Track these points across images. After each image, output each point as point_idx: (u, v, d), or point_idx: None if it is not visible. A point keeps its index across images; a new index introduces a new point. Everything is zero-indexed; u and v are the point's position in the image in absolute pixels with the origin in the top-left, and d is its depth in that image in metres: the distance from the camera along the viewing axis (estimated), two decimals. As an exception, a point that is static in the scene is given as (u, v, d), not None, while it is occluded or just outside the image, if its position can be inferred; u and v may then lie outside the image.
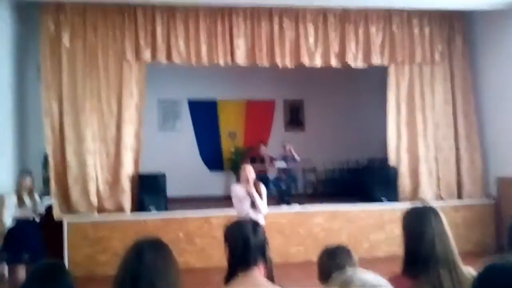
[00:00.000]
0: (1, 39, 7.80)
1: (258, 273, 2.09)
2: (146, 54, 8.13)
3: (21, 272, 5.74)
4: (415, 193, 8.84)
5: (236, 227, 2.25)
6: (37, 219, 6.01)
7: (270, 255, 2.21)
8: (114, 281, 1.79)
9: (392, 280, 1.21)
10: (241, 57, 8.40)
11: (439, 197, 8.80)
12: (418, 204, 2.29)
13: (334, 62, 8.71)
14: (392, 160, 8.96)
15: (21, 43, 8.41)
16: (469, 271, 1.99)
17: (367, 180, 9.29)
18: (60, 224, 7.52)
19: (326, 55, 8.68)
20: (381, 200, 8.54)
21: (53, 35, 7.92)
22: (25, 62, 8.54)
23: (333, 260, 2.31)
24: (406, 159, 8.94)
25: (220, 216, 7.75)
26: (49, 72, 7.87)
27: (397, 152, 8.95)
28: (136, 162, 8.25)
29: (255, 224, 2.24)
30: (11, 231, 5.85)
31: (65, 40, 7.90)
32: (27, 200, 5.92)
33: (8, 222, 5.82)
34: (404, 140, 8.98)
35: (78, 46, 7.97)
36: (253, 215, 4.98)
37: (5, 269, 6.63)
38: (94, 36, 8.05)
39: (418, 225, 2.08)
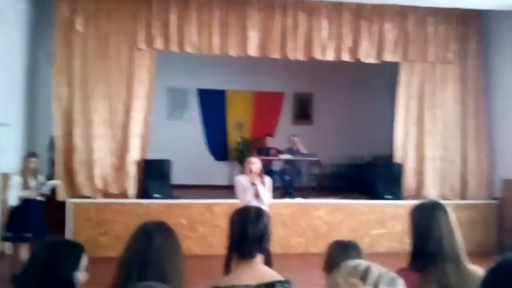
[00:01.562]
0: (15, 24, 7.87)
1: (259, 262, 2.10)
2: (158, 42, 8.14)
3: (24, 251, 5.82)
4: (419, 192, 8.82)
5: (238, 215, 2.25)
6: (42, 199, 6.07)
7: (269, 246, 2.17)
8: (120, 262, 1.80)
9: (399, 273, 1.23)
10: (253, 49, 8.39)
11: (443, 197, 8.78)
12: (426, 200, 2.31)
13: (346, 57, 8.68)
14: (397, 157, 8.94)
15: (34, 27, 8.48)
16: (474, 268, 2.01)
17: (371, 176, 9.29)
18: (63, 205, 7.59)
19: (338, 50, 8.65)
20: (384, 198, 8.53)
21: (67, 20, 7.97)
22: (37, 46, 8.62)
23: (345, 253, 2.33)
24: (412, 157, 8.92)
25: (223, 204, 7.80)
26: (61, 56, 7.93)
27: (403, 149, 8.93)
28: (143, 149, 8.31)
29: (259, 214, 2.20)
30: (15, 210, 5.91)
31: (79, 25, 7.94)
32: (31, 181, 5.98)
33: (12, 201, 5.89)
34: (412, 137, 8.95)
35: (91, 32, 8.01)
36: (255, 205, 5.00)
37: (9, 247, 6.76)
38: (107, 23, 8.09)
39: (427, 220, 2.11)
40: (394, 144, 9.00)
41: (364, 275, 1.14)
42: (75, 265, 1.89)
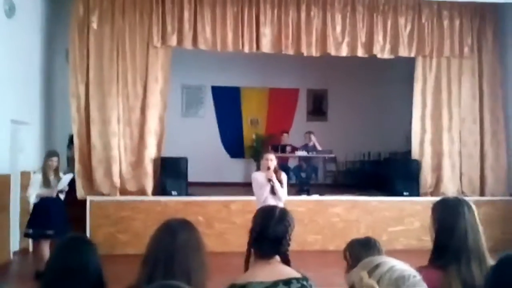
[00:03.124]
0: (32, 22, 7.99)
1: (276, 261, 2.10)
2: (173, 39, 8.19)
3: (46, 247, 5.92)
4: (437, 188, 8.75)
5: (262, 213, 2.26)
6: (62, 196, 6.16)
7: (287, 250, 2.14)
8: (145, 260, 1.82)
9: (419, 270, 1.23)
10: (266, 45, 8.40)
11: (461, 193, 8.68)
12: (449, 196, 2.29)
13: (360, 52, 8.64)
14: (415, 153, 8.87)
15: (50, 26, 8.61)
16: None
17: (388, 172, 9.22)
18: (83, 203, 7.70)
19: (352, 45, 8.61)
20: (402, 194, 8.46)
21: (82, 19, 8.05)
22: (54, 45, 8.75)
23: (363, 251, 2.33)
24: (430, 153, 8.84)
25: (239, 201, 7.83)
26: (77, 55, 8.02)
27: (420, 145, 8.86)
28: (159, 146, 8.37)
29: (283, 216, 2.18)
30: (36, 207, 6.02)
31: (93, 24, 8.01)
32: (52, 178, 6.07)
33: (33, 199, 5.99)
34: (429, 133, 8.87)
35: (105, 30, 8.09)
36: (272, 202, 5.01)
37: (31, 244, 6.89)
38: (122, 20, 8.15)
39: (452, 216, 2.07)
40: (411, 140, 8.92)
41: (372, 269, 1.16)
42: (99, 264, 1.93)
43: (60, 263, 1.89)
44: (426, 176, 8.76)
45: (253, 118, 12.96)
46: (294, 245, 2.23)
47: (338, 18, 8.55)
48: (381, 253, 2.33)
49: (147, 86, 8.21)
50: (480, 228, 2.06)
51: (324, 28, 8.53)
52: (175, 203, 7.86)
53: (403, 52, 8.70)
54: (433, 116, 8.89)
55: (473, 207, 2.11)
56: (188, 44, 8.26)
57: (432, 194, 8.61)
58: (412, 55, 8.81)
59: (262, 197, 5.12)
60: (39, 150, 7.85)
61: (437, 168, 8.82)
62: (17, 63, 7.35)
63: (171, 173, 8.17)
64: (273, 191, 5.14)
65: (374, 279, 1.13)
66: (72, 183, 6.63)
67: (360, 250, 2.37)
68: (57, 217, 6.02)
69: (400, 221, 8.26)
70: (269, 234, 2.11)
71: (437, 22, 8.80)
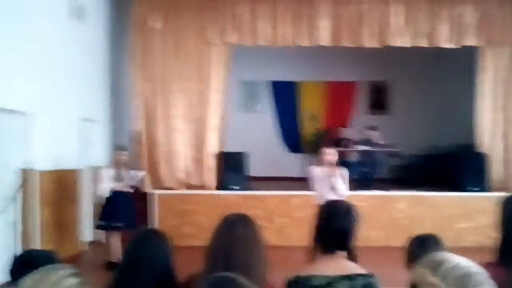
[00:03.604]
0: (97, 22, 8.36)
1: (342, 256, 2.10)
2: (232, 36, 8.30)
3: (116, 239, 6.22)
4: (507, 183, 8.30)
5: (327, 207, 2.25)
6: (131, 190, 6.43)
7: (353, 246, 2.12)
8: (206, 253, 1.91)
9: (486, 266, 1.19)
10: (326, 38, 8.32)
11: (535, 189, 8.19)
12: None
13: (423, 43, 8.35)
14: (483, 147, 8.45)
15: (115, 25, 8.98)
16: None
17: (454, 167, 8.85)
18: (144, 195, 7.98)
19: (415, 35, 8.35)
20: (468, 190, 8.10)
21: (144, 18, 8.34)
22: (120, 46, 9.12)
23: (423, 247, 2.27)
24: (499, 146, 8.40)
25: (299, 196, 7.83)
26: (140, 54, 8.34)
27: (489, 138, 8.43)
28: (220, 141, 8.54)
29: (348, 210, 2.16)
30: (107, 201, 6.33)
31: (156, 23, 8.28)
32: (123, 173, 6.35)
33: (105, 193, 6.30)
34: (498, 126, 8.44)
35: (166, 29, 8.34)
36: (331, 197, 4.98)
37: (103, 235, 7.26)
38: (182, 19, 8.36)
39: None
40: (479, 133, 8.52)
41: (436, 267, 1.14)
42: (171, 256, 2.03)
43: (133, 254, 2.00)
44: (496, 171, 8.34)
45: (312, 112, 12.87)
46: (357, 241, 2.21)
47: (400, 7, 8.30)
48: (441, 250, 2.25)
49: (208, 83, 8.38)
50: None
51: (385, 18, 8.32)
52: (236, 197, 7.99)
53: (468, 41, 8.31)
54: (504, 107, 8.43)
55: None
56: (247, 40, 8.34)
57: (502, 190, 8.17)
58: (479, 44, 8.38)
59: (321, 192, 5.09)
60: (107, 146, 8.24)
61: (508, 162, 8.39)
62: (87, 64, 7.75)
63: (232, 168, 8.31)
64: (332, 186, 5.10)
65: (438, 277, 1.10)
66: (141, 177, 6.89)
67: (416, 247, 2.31)
68: (125, 210, 6.30)
69: (467, 218, 7.93)
70: (335, 228, 2.11)
71: (507, 8, 8.30)
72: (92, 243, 7.82)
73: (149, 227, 2.22)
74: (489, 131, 8.46)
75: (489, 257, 2.07)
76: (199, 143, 8.41)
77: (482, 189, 8.15)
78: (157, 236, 2.08)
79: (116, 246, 6.13)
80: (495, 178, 8.33)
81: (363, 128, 10.10)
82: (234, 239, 1.87)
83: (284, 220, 7.88)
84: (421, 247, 2.30)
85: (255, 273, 1.77)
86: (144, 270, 1.92)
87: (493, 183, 8.31)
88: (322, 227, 2.15)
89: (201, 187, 8.26)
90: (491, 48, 8.44)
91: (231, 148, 8.66)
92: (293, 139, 12.76)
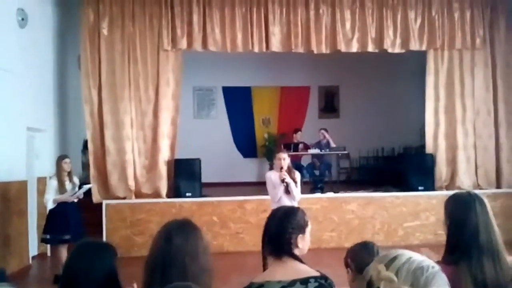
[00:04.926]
0: (43, 29, 8.11)
1: (293, 259, 2.09)
2: (183, 42, 8.23)
3: (63, 252, 6.00)
4: (452, 181, 8.67)
5: (270, 214, 2.27)
6: (75, 201, 6.21)
7: (293, 250, 2.09)
8: (145, 264, 1.83)
9: None
10: (276, 44, 8.40)
11: (477, 186, 8.60)
12: (462, 190, 2.25)
13: (371, 48, 8.59)
14: (429, 147, 8.79)
15: (61, 32, 8.73)
16: None
17: (402, 167, 9.16)
18: (98, 206, 7.78)
19: (363, 41, 8.57)
20: (417, 189, 8.40)
21: (93, 25, 8.13)
22: (66, 52, 8.87)
23: (369, 253, 2.31)
24: (444, 147, 8.75)
25: (254, 201, 7.86)
26: (88, 60, 8.10)
27: (434, 139, 8.77)
28: (172, 149, 8.42)
29: (284, 215, 2.17)
30: (52, 213, 6.10)
31: (104, 29, 8.09)
32: (67, 182, 6.15)
33: (49, 204, 6.06)
34: (442, 127, 8.78)
35: (116, 35, 8.16)
36: (286, 201, 5.02)
37: (49, 249, 6.98)
38: (131, 25, 8.21)
39: (463, 211, 2.04)
40: (425, 134, 8.86)
41: (390, 262, 1.17)
42: (113, 267, 1.95)
43: (70, 268, 1.92)
44: (441, 170, 8.68)
45: (265, 117, 12.98)
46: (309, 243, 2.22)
47: (347, 14, 8.52)
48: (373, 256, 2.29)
49: (159, 90, 8.26)
50: (495, 224, 2.02)
51: (333, 25, 8.51)
52: (189, 205, 7.91)
53: (414, 46, 8.62)
54: (446, 109, 8.80)
55: (486, 202, 2.07)
56: (198, 46, 8.29)
57: (447, 188, 8.53)
58: (423, 48, 8.72)
59: (277, 196, 5.12)
60: (54, 156, 7.94)
61: (452, 162, 8.74)
62: (32, 72, 7.46)
63: (185, 175, 8.21)
64: (287, 191, 5.14)
65: (392, 271, 1.13)
66: (87, 190, 6.69)
67: (362, 253, 2.35)
68: (73, 221, 6.09)
69: (415, 216, 8.21)
70: (270, 234, 2.14)
71: (447, 14, 8.71)
72: (39, 256, 7.52)
73: (88, 239, 2.11)
74: (433, 132, 8.79)
75: (437, 254, 2.13)
76: (150, 151, 8.25)
77: (429, 188, 8.46)
78: (96, 248, 1.97)
79: (63, 259, 5.90)
80: (441, 177, 8.67)
81: (315, 131, 10.26)
82: (172, 249, 1.79)
83: (239, 225, 7.86)
84: (363, 253, 2.34)
85: (197, 284, 1.66)
86: (82, 283, 1.83)
87: (439, 182, 8.64)
88: (264, 232, 2.17)
89: (153, 195, 8.11)
90: (434, 52, 8.80)
91: (186, 155, 8.56)
92: (247, 144, 12.82)
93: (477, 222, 1.99)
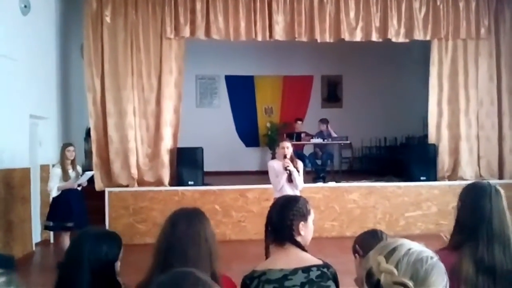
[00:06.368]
0: (46, 18, 8.07)
1: (295, 247, 2.11)
2: (186, 31, 8.19)
3: (66, 239, 6.02)
4: (454, 172, 8.65)
5: (273, 202, 2.29)
6: (79, 189, 6.23)
7: (295, 237, 2.12)
8: (153, 249, 1.88)
9: (437, 252, 1.23)
10: (280, 33, 8.36)
11: (479, 176, 8.59)
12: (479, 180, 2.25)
13: (375, 37, 8.54)
14: (432, 137, 8.78)
15: (64, 21, 8.70)
16: None
17: (405, 157, 9.16)
18: (100, 194, 7.81)
19: (367, 30, 8.52)
20: (419, 179, 8.39)
21: (95, 13, 8.10)
22: (68, 40, 8.85)
23: (378, 241, 2.32)
24: (447, 137, 8.73)
25: (256, 190, 7.88)
26: (91, 49, 8.08)
27: (437, 129, 8.75)
28: (175, 137, 8.43)
29: (285, 203, 2.21)
30: (56, 200, 6.12)
31: (107, 17, 8.06)
32: (70, 171, 6.16)
33: (53, 192, 6.09)
34: (445, 117, 8.75)
35: (119, 24, 8.13)
36: (289, 190, 5.03)
37: (52, 236, 7.03)
38: (134, 13, 8.18)
39: (477, 196, 2.06)
40: (428, 124, 8.84)
41: (389, 254, 1.17)
42: (117, 255, 1.96)
43: (70, 255, 1.94)
44: (444, 160, 8.67)
45: (267, 106, 12.96)
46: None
47: (352, 3, 8.46)
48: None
49: (162, 78, 8.25)
50: (507, 214, 2.03)
51: (337, 13, 8.45)
52: (192, 193, 7.93)
53: (418, 35, 8.57)
54: (450, 99, 8.77)
55: (502, 192, 2.09)
56: (201, 34, 8.25)
57: (449, 178, 8.53)
58: (428, 38, 8.67)
59: (279, 185, 5.13)
60: (57, 143, 7.98)
61: (455, 152, 8.72)
62: (35, 60, 7.44)
63: (187, 163, 8.24)
64: (289, 179, 5.14)
65: (391, 263, 1.14)
66: (90, 176, 6.71)
67: (371, 240, 2.36)
68: (76, 209, 6.10)
69: (417, 206, 8.21)
70: (272, 221, 2.16)
71: (452, 4, 8.64)
72: (42, 243, 7.57)
73: (90, 227, 2.12)
74: (436, 122, 8.77)
75: (439, 244, 2.14)
76: (153, 139, 8.26)
77: (431, 178, 8.45)
78: (96, 236, 1.97)
79: (66, 246, 5.93)
80: (443, 167, 8.66)
81: (317, 121, 10.25)
82: (175, 237, 1.84)
83: (241, 214, 7.89)
84: (371, 240, 2.35)
85: (201, 270, 1.72)
86: (81, 270, 1.86)
87: (441, 172, 8.64)
88: (267, 221, 2.20)
89: (156, 183, 8.14)
90: (438, 42, 8.75)
91: (188, 143, 8.57)
92: (249, 133, 12.81)
93: (491, 208, 2.01)
